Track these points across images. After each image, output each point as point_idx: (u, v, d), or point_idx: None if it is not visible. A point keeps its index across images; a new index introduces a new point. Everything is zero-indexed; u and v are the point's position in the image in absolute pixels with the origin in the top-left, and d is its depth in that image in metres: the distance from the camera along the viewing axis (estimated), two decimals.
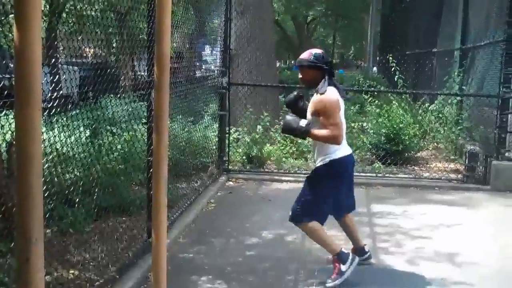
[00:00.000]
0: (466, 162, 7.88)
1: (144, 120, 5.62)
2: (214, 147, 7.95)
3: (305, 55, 4.38)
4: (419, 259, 5.00)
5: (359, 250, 4.69)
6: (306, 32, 39.70)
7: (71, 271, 4.18)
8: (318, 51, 4.41)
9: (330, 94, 4.23)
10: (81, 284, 3.98)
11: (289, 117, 4.43)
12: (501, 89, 7.59)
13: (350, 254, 4.44)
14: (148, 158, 4.95)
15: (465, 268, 4.80)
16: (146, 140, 5.05)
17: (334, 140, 4.23)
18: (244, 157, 8.45)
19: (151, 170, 4.96)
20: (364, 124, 9.53)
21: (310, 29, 40.94)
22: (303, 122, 4.29)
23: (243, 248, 5.21)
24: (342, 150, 4.36)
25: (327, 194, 4.41)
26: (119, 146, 6.18)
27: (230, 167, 8.10)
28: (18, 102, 2.12)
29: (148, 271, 4.51)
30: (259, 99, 10.20)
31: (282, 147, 8.84)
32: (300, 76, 4.44)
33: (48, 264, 3.84)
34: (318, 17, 36.82)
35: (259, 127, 8.67)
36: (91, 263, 4.46)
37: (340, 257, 4.36)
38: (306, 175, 4.70)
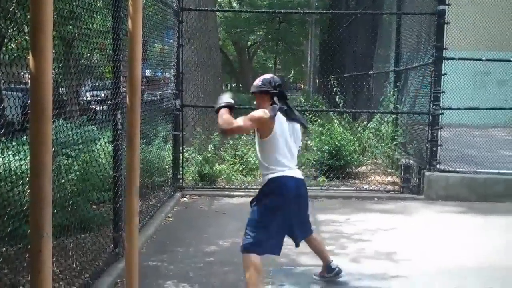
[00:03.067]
0: (402, 174, 8.60)
1: (102, 141, 5.87)
2: (168, 166, 8.37)
3: (256, 81, 4.52)
4: (362, 258, 5.59)
5: (326, 267, 4.86)
6: (247, 56, 40.59)
7: None
8: (267, 76, 4.53)
9: (269, 112, 4.27)
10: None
11: (224, 94, 4.56)
12: (431, 106, 8.33)
13: None
14: (114, 174, 5.36)
15: (402, 264, 5.42)
16: (112, 157, 5.42)
17: (222, 125, 4.23)
18: (196, 175, 8.91)
19: (117, 185, 5.40)
20: (308, 142, 10.14)
21: (251, 53, 41.87)
22: (225, 99, 4.42)
23: (203, 255, 5.66)
24: (281, 170, 4.33)
25: (272, 217, 4.31)
26: (75, 168, 6.48)
27: (184, 184, 8.54)
28: (33, 117, 2.60)
29: (117, 278, 4.93)
30: (206, 120, 10.73)
31: (232, 165, 9.36)
32: (256, 102, 4.54)
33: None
34: (258, 41, 37.76)
35: (210, 146, 9.18)
36: (60, 275, 4.80)
37: None
38: (255, 193, 4.55)
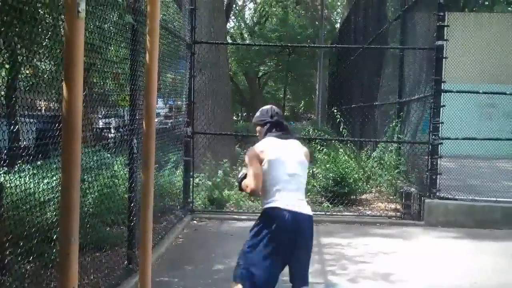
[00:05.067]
0: (403, 201, 8.95)
1: (116, 166, 6.27)
2: (178, 190, 8.76)
3: (257, 113, 4.49)
4: (360, 278, 5.93)
5: None
6: (257, 86, 41.19)
7: None
8: (266, 106, 4.47)
9: (259, 143, 4.19)
10: None
11: (243, 170, 4.45)
12: (431, 136, 8.71)
13: None
14: (130, 194, 5.76)
15: (397, 284, 5.76)
16: (128, 179, 5.81)
17: (248, 189, 3.99)
18: (206, 199, 9.30)
19: (132, 205, 5.80)
20: (314, 169, 10.52)
21: (261, 83, 42.50)
22: (240, 174, 4.34)
23: (212, 273, 6.02)
24: (279, 202, 3.93)
25: (259, 248, 3.91)
26: (92, 190, 6.86)
27: (193, 208, 8.93)
28: (65, 137, 3.03)
29: None
30: (217, 148, 11.18)
31: (239, 191, 9.74)
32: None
33: None
34: (268, 72, 38.38)
35: (220, 171, 9.59)
36: None
37: None
38: None
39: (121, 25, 5.62)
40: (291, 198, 3.96)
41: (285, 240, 3.88)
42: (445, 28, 8.54)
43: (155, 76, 4.68)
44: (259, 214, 4.08)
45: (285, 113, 46.28)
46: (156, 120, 6.15)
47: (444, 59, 8.49)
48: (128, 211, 5.79)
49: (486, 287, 5.72)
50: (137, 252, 5.86)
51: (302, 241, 3.95)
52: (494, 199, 8.68)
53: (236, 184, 4.73)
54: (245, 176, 4.16)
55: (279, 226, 3.87)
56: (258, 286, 3.88)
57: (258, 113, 4.44)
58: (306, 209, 4.01)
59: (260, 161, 4.02)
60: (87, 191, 6.42)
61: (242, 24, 39.55)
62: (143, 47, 5.97)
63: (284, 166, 4.01)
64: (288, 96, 44.46)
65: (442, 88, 8.52)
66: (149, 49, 4.64)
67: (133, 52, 5.72)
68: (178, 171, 8.96)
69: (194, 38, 8.85)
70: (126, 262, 5.74)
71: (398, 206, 9.42)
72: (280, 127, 4.28)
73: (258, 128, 4.39)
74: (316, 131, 14.08)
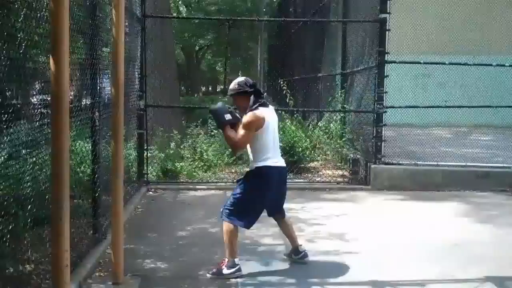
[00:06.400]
0: (350, 167, 9.40)
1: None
2: (130, 163, 8.87)
3: (232, 85, 5.11)
4: (317, 238, 6.31)
5: (294, 249, 5.44)
6: (195, 60, 41.09)
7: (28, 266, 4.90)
8: (241, 78, 5.12)
9: (259, 112, 4.89)
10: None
11: (222, 104, 5.10)
12: (375, 105, 9.14)
13: (238, 267, 5.03)
14: (94, 166, 5.87)
15: (352, 243, 6.17)
16: (91, 152, 5.91)
17: (232, 146, 5.11)
18: (159, 171, 9.48)
19: (96, 176, 5.92)
20: None
21: (199, 57, 42.39)
22: (228, 116, 4.96)
23: (176, 239, 6.26)
24: (270, 161, 4.98)
25: (253, 197, 5.00)
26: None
27: (148, 179, 9.09)
28: (54, 107, 3.20)
29: (100, 258, 5.47)
30: (167, 121, 11.31)
31: (191, 162, 9.98)
32: (235, 104, 5.21)
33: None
34: (206, 45, 38.27)
35: (172, 143, 9.76)
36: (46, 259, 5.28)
37: (230, 263, 5.01)
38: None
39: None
40: (276, 156, 5.08)
41: (274, 188, 5.06)
42: (388, 2, 8.93)
43: (121, 49, 4.84)
44: (251, 169, 5.06)
45: (225, 86, 46.45)
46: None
47: (387, 31, 8.88)
48: (92, 183, 5.90)
49: (432, 243, 6.19)
50: (102, 221, 6.02)
51: (284, 187, 5.28)
52: (435, 163, 9.24)
53: (217, 118, 5.02)
54: (231, 122, 4.97)
55: (273, 179, 5.01)
56: (243, 225, 5.06)
57: (235, 86, 5.06)
58: (284, 163, 5.22)
59: (257, 129, 4.89)
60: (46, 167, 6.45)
61: None
62: (101, 22, 6.07)
63: (273, 132, 5.04)
64: (227, 69, 44.58)
65: (386, 59, 8.92)
66: (116, 23, 4.80)
67: (93, 27, 5.75)
68: (130, 144, 9.06)
69: (144, 12, 8.91)
70: (91, 231, 5.88)
71: (345, 173, 9.87)
72: (261, 96, 5.05)
73: (238, 98, 5.06)
74: None
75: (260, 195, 5.02)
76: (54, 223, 3.25)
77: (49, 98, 4.56)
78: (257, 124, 4.89)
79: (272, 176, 5.01)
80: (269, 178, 5.00)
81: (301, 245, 5.49)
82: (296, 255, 5.45)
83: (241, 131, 4.91)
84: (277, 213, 5.36)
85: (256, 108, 4.92)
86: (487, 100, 11.69)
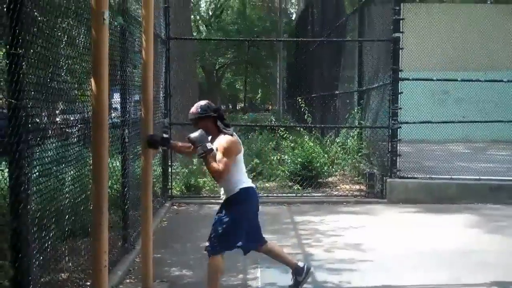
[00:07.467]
0: (367, 181, 9.71)
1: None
2: (154, 179, 9.26)
3: (193, 109, 4.84)
4: (334, 248, 6.62)
5: (295, 270, 5.13)
6: (215, 79, 41.60)
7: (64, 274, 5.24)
8: (202, 102, 4.90)
9: (235, 137, 4.75)
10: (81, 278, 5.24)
11: (201, 132, 4.68)
12: (390, 121, 9.45)
13: None
14: (123, 180, 6.26)
15: (367, 252, 6.48)
16: (121, 166, 6.30)
17: (218, 175, 4.58)
18: (183, 186, 9.88)
19: (125, 189, 6.31)
20: (283, 156, 11.17)
21: (219, 75, 42.88)
22: (210, 145, 4.63)
23: (199, 249, 6.54)
24: (247, 182, 4.84)
25: (240, 219, 4.75)
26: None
27: (173, 194, 9.49)
28: (94, 126, 3.59)
29: (130, 266, 5.85)
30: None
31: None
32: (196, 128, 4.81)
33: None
34: (226, 64, 38.78)
35: (195, 159, 10.16)
36: (79, 268, 5.66)
37: None
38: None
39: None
40: (247, 178, 4.95)
41: (255, 209, 4.94)
42: (401, 21, 9.28)
43: (151, 73, 5.24)
44: (233, 194, 4.76)
45: (244, 105, 46.94)
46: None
47: (400, 50, 9.22)
48: (122, 196, 6.28)
49: (443, 252, 6.48)
50: (131, 232, 6.40)
51: (258, 206, 5.01)
52: (449, 176, 9.50)
53: (199, 148, 4.63)
54: (211, 150, 4.59)
55: (255, 198, 4.93)
56: (240, 246, 4.86)
57: (197, 109, 4.81)
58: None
59: (237, 154, 4.73)
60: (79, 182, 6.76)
61: (198, 16, 39.87)
62: (131, 46, 6.51)
63: (243, 156, 4.90)
64: (246, 87, 45.03)
65: (400, 76, 9.25)
66: (145, 47, 5.21)
67: (122, 52, 6.18)
68: (154, 160, 9.46)
69: (168, 34, 9.37)
70: (121, 241, 6.26)
71: (362, 187, 10.17)
72: (224, 119, 4.87)
73: (202, 122, 4.77)
74: (279, 120, 14.75)
75: (247, 217, 4.84)
76: (94, 227, 3.63)
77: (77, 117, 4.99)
78: (236, 149, 4.71)
79: (254, 195, 4.90)
80: (252, 198, 4.86)
81: (297, 262, 5.23)
82: (299, 275, 5.13)
83: (223, 159, 4.59)
84: (262, 239, 5.08)
85: (229, 133, 4.75)
86: (505, 116, 11.68)
